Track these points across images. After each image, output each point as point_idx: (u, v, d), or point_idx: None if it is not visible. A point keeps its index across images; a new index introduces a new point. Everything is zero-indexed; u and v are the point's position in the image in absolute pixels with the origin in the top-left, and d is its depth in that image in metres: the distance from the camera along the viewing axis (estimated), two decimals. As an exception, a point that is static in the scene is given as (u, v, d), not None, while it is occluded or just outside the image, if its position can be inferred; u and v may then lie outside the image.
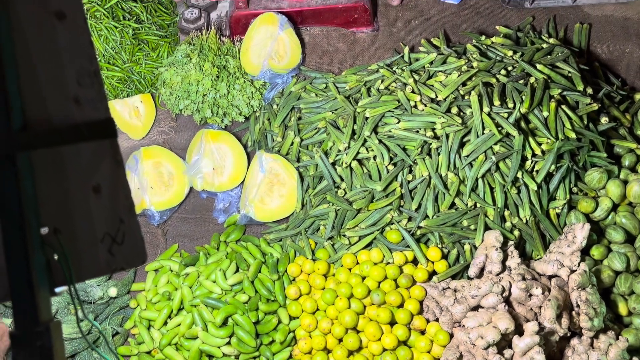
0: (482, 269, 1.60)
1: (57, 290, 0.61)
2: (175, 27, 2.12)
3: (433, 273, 1.68)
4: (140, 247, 0.62)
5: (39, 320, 0.56)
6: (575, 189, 1.72)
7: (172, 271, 1.73)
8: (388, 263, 1.68)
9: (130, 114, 1.92)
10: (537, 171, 1.68)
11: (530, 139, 1.67)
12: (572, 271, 1.53)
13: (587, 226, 1.56)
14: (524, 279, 1.52)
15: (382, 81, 1.86)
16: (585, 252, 1.62)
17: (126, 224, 0.62)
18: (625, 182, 1.70)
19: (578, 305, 1.49)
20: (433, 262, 1.68)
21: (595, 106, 1.76)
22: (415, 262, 1.70)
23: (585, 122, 1.75)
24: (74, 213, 0.61)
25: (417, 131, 1.72)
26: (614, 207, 1.70)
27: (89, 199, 0.61)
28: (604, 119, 1.80)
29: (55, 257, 0.60)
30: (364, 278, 1.66)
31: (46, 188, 0.60)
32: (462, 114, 1.72)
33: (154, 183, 1.82)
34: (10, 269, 0.56)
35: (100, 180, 0.61)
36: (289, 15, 2.03)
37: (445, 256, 1.69)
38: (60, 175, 0.61)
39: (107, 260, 0.61)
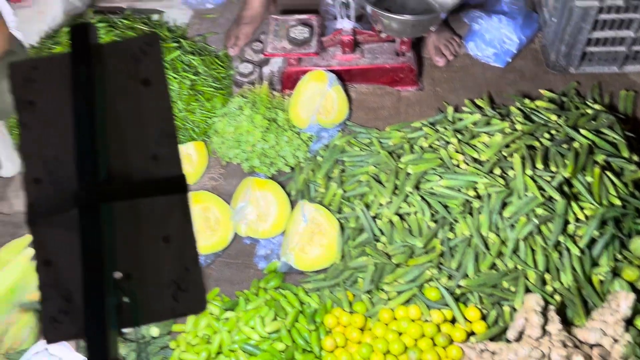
0: (521, 333, 1.58)
1: (124, 331, 0.66)
2: (230, 80, 2.24)
3: (471, 333, 1.67)
4: (202, 296, 0.67)
5: (108, 359, 0.61)
6: (619, 257, 1.70)
7: (212, 315, 1.77)
8: (426, 320, 1.68)
9: (183, 160, 2.02)
10: (579, 236, 1.67)
11: (573, 204, 1.67)
12: (616, 341, 1.50)
13: (632, 296, 1.53)
14: (564, 345, 1.49)
15: (426, 139, 1.91)
16: (629, 322, 1.59)
17: (191, 272, 0.67)
18: (672, 252, 1.67)
19: (622, 378, 1.45)
20: (471, 322, 1.67)
21: (641, 173, 1.76)
22: (453, 321, 1.69)
23: (631, 189, 1.74)
24: (145, 260, 0.67)
25: (459, 190, 1.75)
26: (661, 277, 1.66)
27: (159, 248, 0.67)
28: (650, 187, 1.79)
29: (125, 300, 0.65)
30: (400, 334, 1.66)
31: (122, 236, 0.66)
32: (504, 175, 1.74)
33: (200, 227, 1.89)
34: (86, 309, 0.62)
35: (171, 231, 0.67)
36: (338, 73, 2.12)
37: (484, 317, 1.68)
38: (135, 225, 0.67)
39: (172, 306, 0.66)
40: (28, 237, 1.92)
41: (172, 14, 2.51)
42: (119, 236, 0.66)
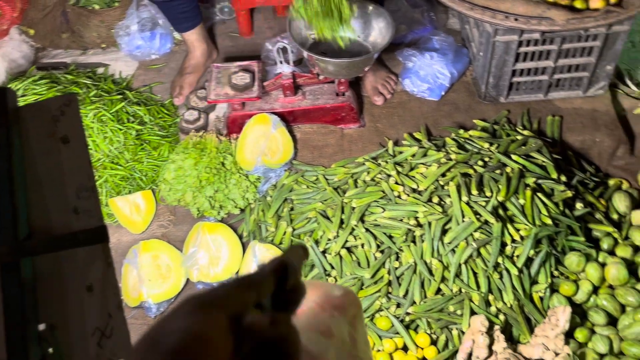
0: (470, 354, 1.63)
1: (50, 381, 0.67)
2: (176, 128, 2.28)
3: (423, 359, 1.70)
4: (126, 340, 0.70)
5: (32, 410, 0.62)
6: (556, 273, 1.78)
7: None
8: (379, 350, 1.72)
9: (131, 209, 2.03)
10: (517, 256, 1.75)
11: (509, 226, 1.75)
12: (557, 354, 1.56)
13: (569, 309, 1.60)
14: (509, 363, 1.55)
15: (368, 173, 1.98)
16: (570, 335, 1.66)
17: (114, 318, 0.69)
18: (604, 265, 1.77)
19: (565, 390, 1.50)
20: (422, 349, 1.71)
21: (570, 193, 1.86)
22: (405, 348, 1.73)
23: (562, 209, 1.84)
24: (69, 310, 0.69)
25: (401, 220, 1.81)
26: (595, 290, 1.75)
27: (83, 298, 0.69)
28: (579, 205, 1.89)
29: (50, 350, 0.67)
30: (354, 366, 1.69)
31: (45, 288, 0.69)
32: (442, 202, 1.82)
33: (151, 276, 1.89)
34: (9, 362, 0.64)
35: (93, 281, 0.70)
36: (281, 115, 2.20)
37: (434, 342, 1.73)
38: (58, 277, 0.69)
39: (97, 353, 0.68)
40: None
41: (117, 66, 2.56)
42: (41, 289, 0.68)
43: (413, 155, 1.99)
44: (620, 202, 1.95)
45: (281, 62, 2.15)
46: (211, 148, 2.11)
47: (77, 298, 0.69)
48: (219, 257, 1.96)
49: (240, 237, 2.04)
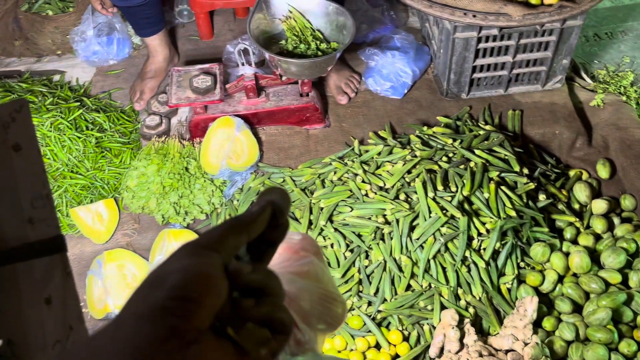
0: (441, 349, 1.65)
1: (9, 399, 0.64)
2: (137, 134, 2.23)
3: (396, 356, 1.71)
4: (89, 352, 0.67)
5: None
6: (522, 264, 1.82)
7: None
8: (352, 350, 1.71)
9: (93, 219, 1.98)
10: (484, 249, 1.77)
11: (475, 219, 1.78)
12: (526, 344, 1.59)
13: (535, 299, 1.63)
14: (480, 355, 1.57)
15: (335, 173, 1.98)
16: (538, 325, 1.69)
17: (75, 330, 0.67)
18: (568, 254, 1.81)
19: (535, 378, 1.53)
20: (395, 345, 1.71)
21: (532, 185, 1.90)
22: (378, 346, 1.73)
23: (525, 200, 1.88)
24: (27, 324, 0.66)
25: (370, 218, 1.82)
26: (560, 279, 1.79)
27: (42, 310, 0.67)
28: (541, 196, 1.93)
29: (8, 367, 0.64)
30: (328, 367, 1.68)
31: (1, 302, 0.65)
32: (409, 199, 1.83)
33: (117, 285, 1.84)
34: (-36, 382, 0.61)
35: (52, 292, 0.67)
36: (245, 118, 2.17)
37: (406, 338, 1.73)
38: (14, 290, 0.66)
39: (58, 367, 0.65)
40: None
41: (74, 73, 2.50)
42: (-3, 303, 0.65)
43: (379, 154, 2.00)
44: (580, 192, 2.00)
45: (243, 64, 2.13)
46: (174, 153, 2.08)
47: (35, 311, 0.66)
48: (187, 264, 1.92)
49: (208, 242, 2.00)
